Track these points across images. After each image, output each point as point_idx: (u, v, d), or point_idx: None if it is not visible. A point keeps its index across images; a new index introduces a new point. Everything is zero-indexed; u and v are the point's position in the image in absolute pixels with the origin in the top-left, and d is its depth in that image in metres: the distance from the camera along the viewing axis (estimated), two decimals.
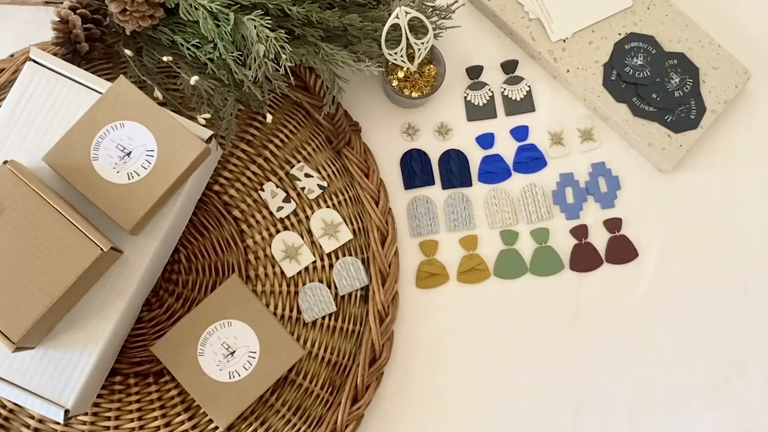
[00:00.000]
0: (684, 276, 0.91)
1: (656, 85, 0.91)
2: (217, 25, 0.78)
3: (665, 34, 0.93)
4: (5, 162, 0.71)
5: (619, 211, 0.92)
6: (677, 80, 0.92)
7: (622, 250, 0.91)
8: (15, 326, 0.68)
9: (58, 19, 0.82)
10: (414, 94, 0.89)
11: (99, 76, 0.80)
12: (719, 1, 0.97)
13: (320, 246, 0.88)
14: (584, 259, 0.91)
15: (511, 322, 0.89)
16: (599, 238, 0.91)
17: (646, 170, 0.93)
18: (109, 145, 0.74)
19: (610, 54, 0.92)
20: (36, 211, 0.70)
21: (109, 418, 0.83)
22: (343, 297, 0.87)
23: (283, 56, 0.77)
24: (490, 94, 0.94)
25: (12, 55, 0.87)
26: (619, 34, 0.93)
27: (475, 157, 0.93)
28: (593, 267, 0.91)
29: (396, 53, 0.85)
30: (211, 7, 0.77)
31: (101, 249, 0.69)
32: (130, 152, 0.74)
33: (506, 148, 0.93)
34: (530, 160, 0.93)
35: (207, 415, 0.83)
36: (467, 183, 0.92)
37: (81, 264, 0.69)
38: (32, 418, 0.82)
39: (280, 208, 0.88)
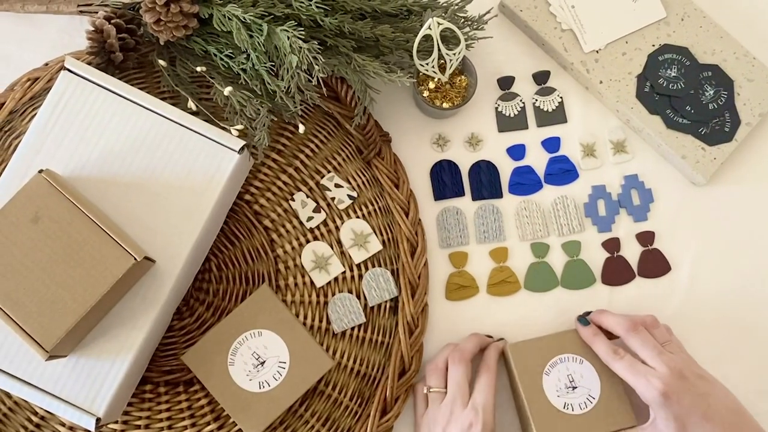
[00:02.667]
0: (718, 290, 0.90)
1: (690, 97, 0.90)
2: (251, 36, 0.79)
3: (699, 45, 0.92)
4: (41, 171, 0.71)
5: (652, 225, 0.91)
6: (711, 92, 0.91)
7: (655, 264, 0.90)
8: (48, 334, 0.68)
9: (93, 29, 0.82)
10: (445, 105, 0.89)
11: (133, 85, 0.80)
12: (754, 13, 0.96)
13: (350, 256, 0.88)
14: (616, 272, 0.90)
15: (541, 335, 0.88)
16: (631, 252, 0.90)
17: (679, 183, 0.92)
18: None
19: (643, 65, 0.91)
20: (70, 220, 0.70)
21: (138, 427, 0.83)
22: (372, 308, 0.87)
23: (316, 67, 0.77)
24: (522, 105, 0.93)
25: (47, 64, 0.88)
26: (653, 45, 0.92)
27: (506, 168, 0.92)
28: (625, 281, 0.90)
29: (428, 64, 0.85)
30: (244, 18, 0.77)
31: (135, 258, 0.70)
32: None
33: (537, 160, 0.92)
34: (562, 171, 0.92)
35: (236, 425, 0.83)
36: (498, 194, 0.91)
37: (114, 273, 0.69)
38: (63, 425, 0.83)
39: (310, 218, 0.88)
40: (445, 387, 0.81)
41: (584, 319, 0.83)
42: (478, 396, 0.79)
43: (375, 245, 0.88)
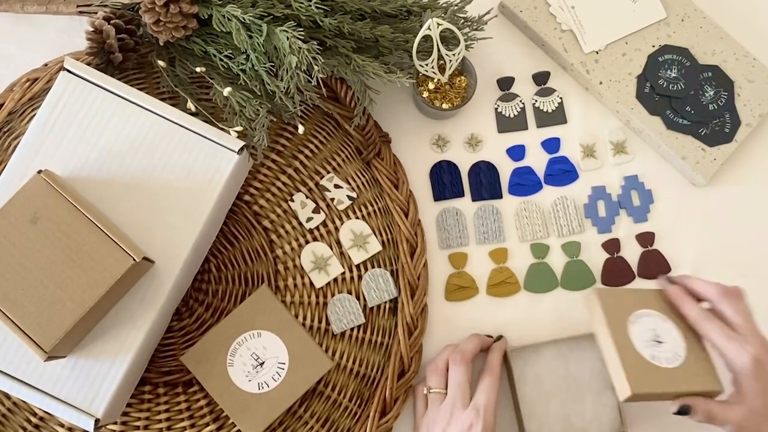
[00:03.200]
0: None
1: (690, 98, 0.90)
2: (250, 37, 0.79)
3: (700, 46, 0.92)
4: (39, 171, 0.71)
5: (652, 226, 0.91)
6: (712, 93, 0.91)
7: (655, 265, 0.90)
8: (47, 335, 0.68)
9: (92, 29, 0.82)
10: (445, 106, 0.88)
11: (132, 86, 0.80)
12: (755, 14, 0.96)
13: (349, 257, 0.88)
14: (616, 273, 0.90)
15: (541, 336, 0.88)
16: (631, 253, 0.90)
17: (679, 184, 0.92)
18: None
19: (643, 66, 0.91)
20: (69, 220, 0.70)
21: (138, 428, 0.83)
22: (371, 309, 0.87)
23: (315, 67, 0.77)
24: (522, 105, 0.93)
25: (46, 65, 0.88)
26: (653, 46, 0.92)
27: (506, 169, 0.92)
28: (625, 282, 0.90)
29: (427, 64, 0.85)
30: (244, 19, 0.77)
31: (134, 259, 0.69)
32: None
33: (537, 161, 0.92)
34: (562, 172, 0.92)
35: (235, 426, 0.83)
36: (497, 195, 0.91)
37: (113, 274, 0.69)
38: (62, 426, 0.83)
39: (309, 219, 0.88)
40: (446, 388, 0.81)
41: (669, 278, 0.80)
42: (479, 397, 0.79)
43: (374, 246, 0.88)
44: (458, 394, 0.79)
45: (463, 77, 0.89)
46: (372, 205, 0.89)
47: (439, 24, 0.80)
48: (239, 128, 0.81)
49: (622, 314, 0.78)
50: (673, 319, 0.79)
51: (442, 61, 0.86)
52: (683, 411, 0.75)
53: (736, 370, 0.73)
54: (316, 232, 0.88)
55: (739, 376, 0.73)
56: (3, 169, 0.78)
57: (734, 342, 0.72)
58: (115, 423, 0.83)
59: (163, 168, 0.77)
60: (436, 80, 0.88)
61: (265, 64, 0.79)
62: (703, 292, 0.78)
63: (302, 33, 0.76)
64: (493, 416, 0.78)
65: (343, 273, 0.87)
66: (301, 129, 0.82)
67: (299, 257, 0.87)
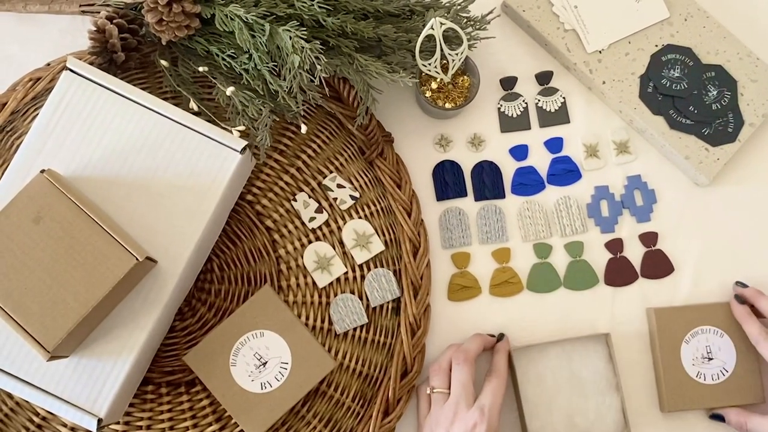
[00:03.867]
0: (721, 291, 0.90)
1: (693, 97, 0.90)
2: (253, 36, 0.78)
3: (703, 46, 0.92)
4: (42, 171, 0.71)
5: (655, 225, 0.91)
6: (715, 93, 0.90)
7: (658, 265, 0.90)
8: (50, 335, 0.68)
9: (95, 29, 0.82)
10: (447, 105, 0.88)
11: (134, 85, 0.80)
12: (758, 14, 0.96)
13: (352, 257, 0.87)
14: (619, 273, 0.89)
15: (544, 336, 0.88)
16: (634, 253, 0.90)
17: (682, 184, 0.92)
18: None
19: (646, 66, 0.91)
20: (72, 220, 0.70)
21: (140, 428, 0.83)
22: (374, 309, 0.87)
23: (318, 67, 0.77)
24: (524, 105, 0.93)
25: (48, 64, 0.88)
26: (656, 45, 0.92)
27: (509, 168, 0.92)
28: (628, 281, 0.89)
29: (430, 64, 0.85)
30: (246, 18, 0.77)
31: (136, 259, 0.69)
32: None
33: (540, 160, 0.92)
34: (564, 172, 0.92)
35: (238, 426, 0.83)
36: (500, 195, 0.91)
37: (116, 273, 0.69)
38: (64, 426, 0.83)
39: (312, 219, 0.88)
40: (449, 388, 0.81)
41: (740, 297, 0.86)
42: (485, 397, 0.79)
43: (377, 246, 0.88)
44: (462, 394, 0.79)
45: (466, 77, 0.89)
46: (375, 205, 0.89)
47: (442, 23, 0.80)
48: (242, 128, 0.81)
49: (678, 333, 0.86)
50: (732, 333, 0.86)
51: (445, 61, 0.86)
52: (717, 418, 0.85)
53: None
54: (318, 232, 0.88)
55: None
56: (6, 169, 0.78)
57: None
58: (118, 423, 0.83)
59: (166, 168, 0.77)
60: (439, 80, 0.88)
61: (267, 63, 0.79)
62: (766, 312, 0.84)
63: (305, 32, 0.76)
64: (497, 417, 0.78)
65: (346, 273, 0.87)
66: (303, 129, 0.82)
67: (302, 257, 0.87)
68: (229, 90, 0.80)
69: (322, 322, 0.86)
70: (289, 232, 0.87)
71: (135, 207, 0.76)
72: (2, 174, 0.83)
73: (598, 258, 0.90)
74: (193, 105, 0.83)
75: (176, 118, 0.77)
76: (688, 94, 0.90)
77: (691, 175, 0.91)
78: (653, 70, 0.91)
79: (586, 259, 0.90)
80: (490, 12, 0.88)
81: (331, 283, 0.87)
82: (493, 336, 0.86)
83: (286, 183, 0.88)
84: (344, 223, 0.88)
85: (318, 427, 0.84)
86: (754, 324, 0.83)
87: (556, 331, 0.88)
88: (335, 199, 0.88)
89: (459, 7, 0.86)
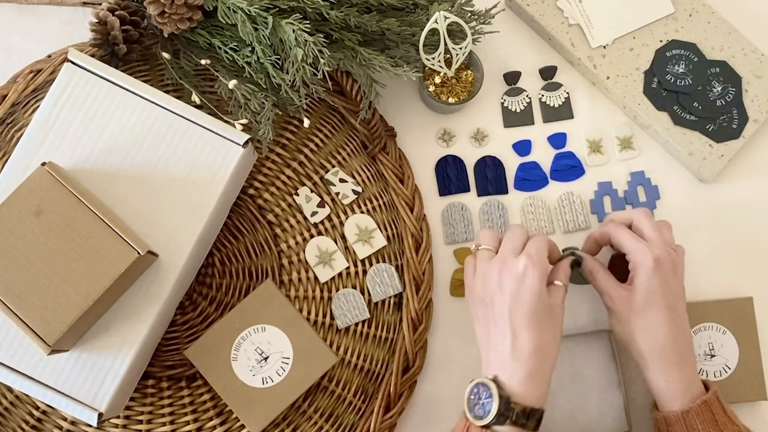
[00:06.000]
0: (724, 288, 0.89)
1: (698, 93, 0.90)
2: (256, 29, 0.78)
3: (707, 41, 0.91)
4: (43, 164, 0.71)
5: None
6: (719, 89, 0.90)
7: None
8: (51, 329, 0.68)
9: (97, 20, 0.82)
10: (451, 100, 0.88)
11: (136, 78, 0.80)
12: (763, 10, 0.95)
13: (354, 252, 0.87)
14: (622, 269, 0.89)
15: None
16: None
17: (686, 180, 0.92)
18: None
19: (651, 61, 0.91)
20: (73, 213, 0.70)
21: (141, 422, 0.83)
22: (376, 304, 0.86)
23: (321, 60, 0.76)
24: (528, 100, 0.93)
25: (49, 56, 0.88)
26: (661, 41, 0.91)
27: (512, 164, 0.92)
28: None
29: (434, 58, 0.84)
30: (249, 11, 0.76)
31: (138, 252, 0.69)
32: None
33: (543, 156, 0.92)
34: (568, 167, 0.91)
35: (239, 420, 0.83)
36: (503, 190, 0.91)
37: (118, 267, 0.69)
38: (65, 419, 0.82)
39: (314, 213, 0.87)
40: (497, 247, 0.76)
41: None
42: (530, 246, 0.74)
43: (379, 241, 0.87)
44: (509, 248, 0.74)
45: (469, 71, 0.89)
46: (377, 200, 0.88)
47: (446, 17, 0.80)
48: (244, 121, 0.80)
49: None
50: (734, 329, 0.85)
51: (448, 55, 0.86)
52: (575, 261, 0.81)
53: (638, 265, 0.76)
54: (320, 227, 0.87)
55: (638, 269, 0.75)
56: (6, 161, 0.77)
57: (641, 244, 0.76)
58: (118, 417, 0.83)
59: (168, 161, 0.77)
60: (442, 74, 0.88)
61: (270, 56, 0.79)
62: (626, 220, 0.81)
63: (308, 25, 0.76)
64: (546, 262, 0.74)
65: (348, 268, 0.87)
66: (306, 122, 0.82)
67: (304, 251, 0.87)
68: (232, 83, 0.79)
69: (324, 317, 0.86)
70: (291, 226, 0.87)
71: (136, 200, 0.76)
72: (3, 166, 0.82)
73: (601, 254, 0.90)
74: (195, 98, 0.82)
75: (178, 111, 0.77)
76: (693, 90, 0.90)
77: (695, 171, 0.91)
78: (658, 66, 0.90)
79: None
80: (495, 6, 0.88)
81: (332, 278, 0.86)
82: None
83: (288, 177, 0.88)
84: (346, 218, 0.87)
85: (319, 423, 0.84)
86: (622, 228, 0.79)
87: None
88: (337, 193, 0.88)
89: (463, 1, 0.85)
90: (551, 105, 0.93)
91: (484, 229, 0.80)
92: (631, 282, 0.77)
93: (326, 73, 0.80)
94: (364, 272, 0.87)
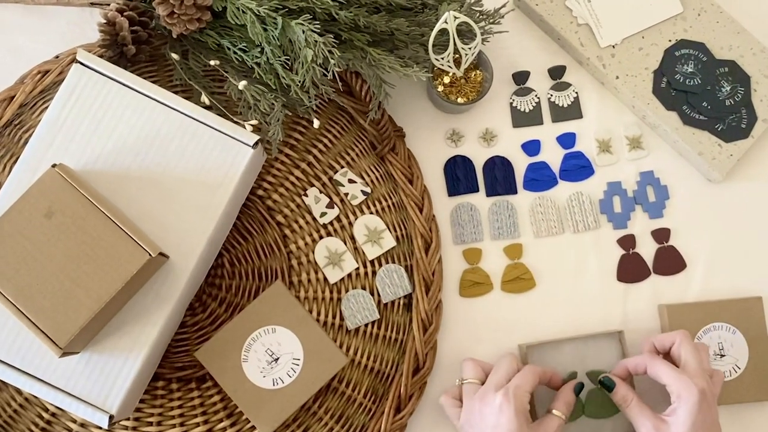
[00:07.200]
0: (733, 288, 0.89)
1: (707, 93, 0.90)
2: (265, 29, 0.78)
3: (716, 41, 0.91)
4: (54, 165, 0.71)
5: (668, 222, 0.90)
6: (728, 88, 0.90)
7: (671, 261, 0.89)
8: (62, 331, 0.68)
9: (105, 21, 0.81)
10: (460, 100, 0.88)
11: (145, 78, 0.79)
12: None
13: (363, 252, 0.87)
14: (631, 269, 0.89)
15: (555, 332, 0.87)
16: (647, 249, 0.90)
17: (695, 180, 0.91)
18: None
19: (660, 61, 0.90)
20: (85, 215, 0.69)
21: (151, 423, 0.82)
22: (386, 304, 0.86)
23: (331, 61, 0.76)
24: (537, 100, 0.93)
25: (57, 57, 0.87)
26: (669, 40, 0.91)
27: (521, 164, 0.91)
28: (641, 278, 0.89)
29: (443, 58, 0.84)
30: (258, 11, 0.76)
31: (149, 254, 0.69)
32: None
33: (552, 156, 0.92)
34: (577, 167, 0.91)
35: (249, 422, 0.83)
36: (512, 190, 0.91)
37: (129, 269, 0.69)
38: (74, 422, 0.82)
39: (323, 214, 0.87)
40: (482, 380, 0.78)
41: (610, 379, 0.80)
42: (513, 380, 0.75)
43: (389, 241, 0.87)
44: (493, 382, 0.75)
45: (478, 71, 0.88)
46: (386, 200, 0.88)
47: (456, 17, 0.80)
48: (254, 122, 0.80)
49: (690, 330, 0.83)
50: (744, 329, 0.85)
51: (457, 55, 0.85)
52: (607, 386, 0.79)
53: (681, 399, 0.73)
54: (329, 228, 0.87)
55: (681, 402, 0.73)
56: (15, 163, 0.77)
57: (684, 377, 0.74)
58: (128, 419, 0.82)
59: (178, 162, 0.76)
60: (451, 74, 0.87)
61: (280, 57, 0.79)
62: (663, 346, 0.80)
63: (318, 26, 0.75)
64: (524, 399, 0.74)
65: (357, 268, 0.86)
66: (316, 123, 0.82)
67: (313, 252, 0.86)
68: (242, 84, 0.79)
69: (334, 317, 0.86)
70: (300, 227, 0.87)
71: (146, 202, 0.75)
72: (12, 168, 0.82)
73: (611, 254, 0.90)
74: (204, 99, 0.82)
75: (188, 112, 0.77)
76: (702, 90, 0.90)
77: (704, 171, 0.90)
78: (666, 66, 0.90)
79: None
80: (503, 6, 0.88)
81: (342, 279, 0.86)
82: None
83: (297, 178, 0.88)
84: (355, 219, 0.87)
85: (330, 424, 0.84)
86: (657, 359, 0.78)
87: (568, 327, 0.87)
88: (346, 194, 0.88)
89: (472, 0, 0.85)
90: (560, 105, 0.92)
91: (467, 360, 0.81)
92: (671, 413, 0.74)
93: (336, 74, 0.80)
94: (374, 273, 0.86)
